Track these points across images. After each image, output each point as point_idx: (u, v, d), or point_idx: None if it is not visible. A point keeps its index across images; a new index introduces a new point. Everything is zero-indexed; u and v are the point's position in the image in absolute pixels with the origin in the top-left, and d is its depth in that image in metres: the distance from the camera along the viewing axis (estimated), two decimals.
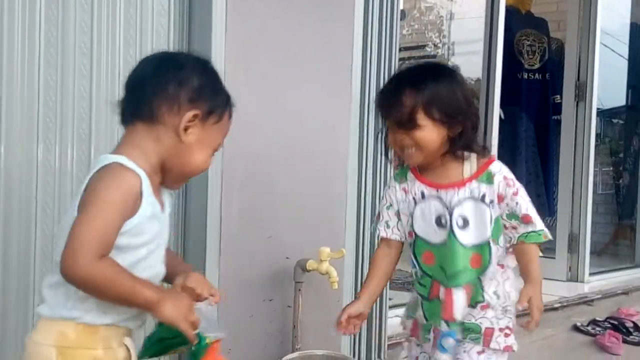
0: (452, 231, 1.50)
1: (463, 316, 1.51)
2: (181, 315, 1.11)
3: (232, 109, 1.29)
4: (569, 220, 4.32)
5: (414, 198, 1.55)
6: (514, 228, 1.50)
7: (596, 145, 4.46)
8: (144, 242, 1.15)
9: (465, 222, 1.49)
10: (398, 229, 1.60)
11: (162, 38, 1.97)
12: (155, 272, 1.21)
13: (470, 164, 1.51)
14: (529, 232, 1.48)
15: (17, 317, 1.72)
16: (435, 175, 1.53)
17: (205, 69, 1.26)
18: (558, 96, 4.54)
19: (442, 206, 1.51)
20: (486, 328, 1.49)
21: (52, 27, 1.76)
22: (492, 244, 1.50)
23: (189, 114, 1.18)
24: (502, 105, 3.87)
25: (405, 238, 1.62)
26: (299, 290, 2.16)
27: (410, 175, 1.57)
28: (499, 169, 1.49)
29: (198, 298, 1.23)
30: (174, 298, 1.13)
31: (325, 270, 2.08)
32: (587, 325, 3.24)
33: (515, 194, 1.48)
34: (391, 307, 2.66)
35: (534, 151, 4.60)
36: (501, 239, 1.52)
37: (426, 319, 1.57)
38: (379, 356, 2.57)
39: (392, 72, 2.54)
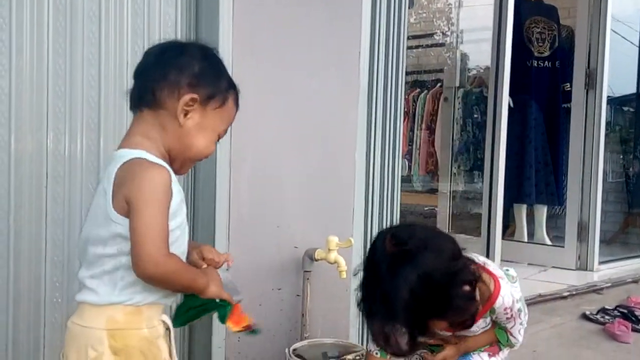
0: None
1: None
2: (220, 289, 1.26)
3: (238, 96, 1.32)
4: (579, 208, 4.31)
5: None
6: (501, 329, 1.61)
7: (606, 134, 4.43)
8: (178, 225, 1.22)
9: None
10: None
11: (169, 27, 1.97)
12: (184, 249, 1.28)
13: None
14: (505, 328, 1.58)
15: (29, 305, 1.74)
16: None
17: (207, 55, 1.29)
18: (568, 84, 4.50)
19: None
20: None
21: (60, 16, 1.76)
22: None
23: (186, 98, 1.21)
24: (511, 94, 3.85)
25: None
26: (308, 279, 2.17)
27: None
28: (500, 304, 1.52)
29: (216, 266, 1.34)
30: (213, 277, 1.26)
31: (334, 260, 2.09)
32: (597, 314, 3.23)
33: (509, 319, 1.56)
34: None
35: (543, 139, 4.58)
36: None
37: None
38: None
39: (400, 61, 2.53)
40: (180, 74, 1.22)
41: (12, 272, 1.72)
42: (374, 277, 1.41)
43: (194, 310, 1.28)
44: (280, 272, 2.19)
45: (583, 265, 4.30)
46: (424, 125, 5.19)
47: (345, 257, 2.12)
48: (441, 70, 5.71)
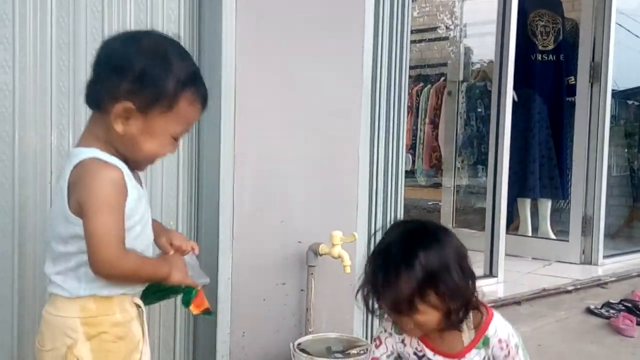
0: None
1: None
2: (183, 275, 1.28)
3: (198, 92, 1.20)
4: (583, 202, 4.30)
5: (415, 352, 1.55)
6: None
7: (611, 127, 4.42)
8: (137, 221, 1.21)
9: None
10: None
11: (172, 23, 1.97)
12: (149, 241, 1.29)
13: (469, 330, 1.50)
14: None
15: (34, 301, 1.75)
16: (435, 337, 1.52)
17: (157, 50, 1.16)
18: (572, 77, 4.49)
19: None
20: None
21: (63, 12, 1.76)
22: None
23: (119, 108, 1.13)
24: (515, 87, 3.83)
25: None
26: (312, 274, 2.17)
27: None
28: (493, 331, 1.49)
29: (182, 253, 1.35)
30: (176, 264, 1.28)
31: (338, 254, 2.09)
32: (601, 308, 3.23)
33: (507, 354, 1.49)
34: None
35: (547, 133, 4.57)
36: None
37: None
38: None
39: (404, 55, 2.53)
40: (120, 76, 1.13)
41: (16, 268, 1.73)
42: (387, 253, 1.46)
43: (161, 292, 1.32)
44: (284, 267, 2.20)
45: (587, 260, 4.29)
46: (427, 120, 5.19)
47: (349, 252, 2.12)
48: (445, 64, 5.70)
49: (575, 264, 4.26)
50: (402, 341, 1.56)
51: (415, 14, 5.81)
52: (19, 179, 1.71)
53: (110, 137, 1.18)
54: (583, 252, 4.30)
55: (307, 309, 2.18)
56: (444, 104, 5.14)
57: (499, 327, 1.50)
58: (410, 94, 5.00)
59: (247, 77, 2.03)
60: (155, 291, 1.32)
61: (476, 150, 4.91)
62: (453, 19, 6.15)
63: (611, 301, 3.33)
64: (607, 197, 4.37)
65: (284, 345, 2.11)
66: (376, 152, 2.45)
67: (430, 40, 6.14)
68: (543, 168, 4.54)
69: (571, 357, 2.59)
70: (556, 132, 4.60)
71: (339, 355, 1.99)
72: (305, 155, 2.24)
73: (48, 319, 1.22)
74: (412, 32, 2.61)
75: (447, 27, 6.15)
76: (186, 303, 1.34)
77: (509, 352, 1.48)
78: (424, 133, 5.20)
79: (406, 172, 2.71)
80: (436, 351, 1.52)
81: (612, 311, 3.18)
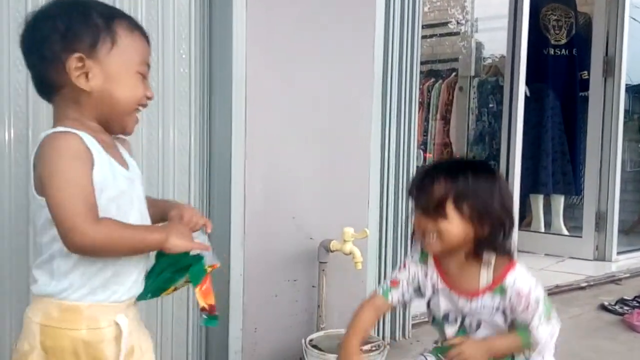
0: (464, 329, 1.49)
1: None
2: (188, 239, 1.13)
3: (129, 21, 1.14)
4: (597, 198, 4.26)
5: (432, 286, 1.53)
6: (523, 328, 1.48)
7: (624, 122, 4.37)
8: (110, 199, 1.09)
9: (479, 326, 1.47)
10: (405, 300, 1.56)
11: (183, 19, 1.97)
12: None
13: (487, 272, 1.45)
14: (526, 331, 1.45)
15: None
16: (453, 272, 1.49)
17: (63, 5, 1.12)
18: (585, 72, 4.45)
19: (454, 307, 1.49)
20: None
21: None
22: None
23: (71, 62, 1.07)
24: (527, 82, 3.81)
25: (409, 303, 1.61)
26: (323, 270, 2.18)
27: (430, 261, 1.53)
28: (512, 282, 1.43)
29: (193, 228, 1.22)
30: (176, 229, 1.14)
31: (349, 251, 2.09)
32: (615, 304, 3.20)
33: (526, 309, 1.44)
34: None
35: (560, 129, 4.53)
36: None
37: (443, 350, 1.56)
38: (403, 335, 2.59)
39: (415, 51, 2.51)
40: (49, 44, 1.08)
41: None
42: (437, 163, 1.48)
43: (167, 272, 1.18)
44: (296, 263, 2.20)
45: (601, 256, 4.26)
46: (439, 115, 5.16)
47: (360, 248, 2.12)
48: (456, 60, 5.67)
49: (588, 260, 4.23)
50: (425, 273, 1.53)
51: (426, 8, 5.78)
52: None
53: (82, 109, 1.11)
54: (596, 248, 4.27)
55: (319, 305, 2.19)
56: (455, 100, 5.12)
57: (519, 279, 1.43)
58: (421, 90, 4.98)
59: (257, 73, 2.04)
60: (161, 271, 1.18)
61: (488, 146, 4.88)
62: (464, 13, 6.11)
63: (625, 297, 3.30)
64: (620, 192, 4.34)
65: (295, 342, 2.12)
66: (387, 148, 2.44)
67: (442, 35, 6.11)
68: (556, 163, 4.51)
69: (585, 354, 2.58)
70: (569, 127, 4.56)
71: None
72: (316, 151, 2.24)
73: (24, 319, 1.13)
74: (423, 27, 2.60)
75: (458, 22, 6.11)
76: (194, 277, 1.16)
77: (527, 306, 1.42)
78: (435, 129, 5.18)
79: (417, 168, 2.70)
80: (452, 287, 1.48)
81: (626, 307, 3.16)
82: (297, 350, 2.09)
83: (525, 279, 1.44)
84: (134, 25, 1.15)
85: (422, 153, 5.03)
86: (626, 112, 4.70)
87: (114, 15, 1.13)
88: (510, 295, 1.42)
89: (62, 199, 1.02)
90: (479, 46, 5.56)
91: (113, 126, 1.16)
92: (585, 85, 4.45)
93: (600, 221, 4.26)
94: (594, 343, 2.72)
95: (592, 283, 3.64)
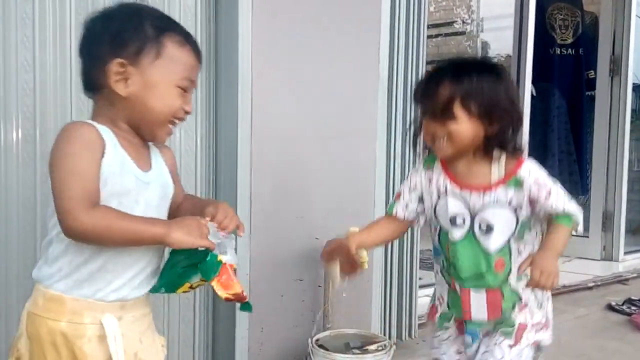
0: (473, 234, 1.43)
1: (490, 318, 1.47)
2: (194, 235, 1.09)
3: (182, 35, 1.16)
4: (604, 198, 4.25)
5: (437, 190, 1.48)
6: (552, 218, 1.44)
7: (631, 121, 4.35)
8: (112, 193, 1.09)
9: (489, 229, 1.42)
10: (417, 211, 1.53)
11: (189, 20, 1.98)
12: None
13: (499, 167, 1.42)
14: (561, 214, 1.41)
15: None
16: (462, 172, 1.45)
17: (121, 10, 1.16)
18: (592, 71, 4.43)
19: (464, 207, 1.44)
20: (520, 323, 1.45)
21: (82, 11, 1.77)
22: (512, 243, 1.43)
23: (112, 66, 1.10)
24: (533, 82, 3.80)
25: (426, 222, 1.56)
26: (329, 278, 2.18)
27: (437, 165, 1.50)
28: (527, 172, 1.41)
29: (225, 229, 1.18)
30: (181, 222, 1.11)
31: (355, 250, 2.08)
32: (622, 305, 3.19)
33: (548, 196, 1.40)
34: (421, 286, 2.66)
35: (566, 128, 4.52)
36: (527, 235, 1.44)
37: (448, 307, 1.53)
38: (409, 335, 2.58)
39: (420, 50, 2.52)
40: (99, 45, 1.12)
41: None
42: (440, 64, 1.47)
43: (178, 267, 1.15)
44: (302, 263, 2.20)
45: (608, 256, 4.24)
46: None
47: (367, 253, 2.12)
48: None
49: (595, 260, 4.21)
50: (429, 179, 1.50)
51: (431, 8, 5.78)
52: (41, 175, 1.73)
53: (115, 110, 1.13)
54: (603, 248, 4.25)
55: (325, 305, 2.19)
56: None
57: (534, 169, 1.42)
58: None
59: (263, 73, 2.04)
60: (173, 266, 1.15)
61: None
62: (470, 13, 6.10)
63: (632, 297, 3.29)
64: (627, 192, 4.32)
65: (302, 341, 2.12)
66: (393, 147, 2.44)
67: (447, 34, 6.11)
68: (562, 163, 4.50)
69: (592, 354, 2.57)
70: (575, 126, 4.55)
71: (357, 351, 1.99)
72: (322, 151, 2.24)
73: None
74: (428, 26, 2.60)
75: (463, 22, 6.11)
76: (205, 273, 1.12)
77: (550, 192, 1.39)
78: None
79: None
80: (462, 186, 1.44)
81: (633, 307, 3.15)
82: (304, 350, 2.09)
83: (538, 169, 1.43)
84: (186, 41, 1.16)
85: (427, 153, 5.01)
86: (633, 111, 4.67)
87: (167, 28, 1.15)
88: (529, 186, 1.40)
89: (61, 181, 1.04)
90: (485, 46, 5.55)
91: (143, 132, 1.17)
92: (591, 84, 4.43)
93: (607, 221, 4.24)
94: (601, 343, 2.71)
95: (599, 283, 3.62)
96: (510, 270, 1.44)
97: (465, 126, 1.37)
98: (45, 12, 1.73)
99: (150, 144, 1.21)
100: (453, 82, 1.37)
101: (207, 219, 1.15)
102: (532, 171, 1.41)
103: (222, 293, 1.13)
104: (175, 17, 1.93)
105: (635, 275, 3.86)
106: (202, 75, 2.02)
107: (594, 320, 3.04)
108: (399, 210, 1.54)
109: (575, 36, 4.53)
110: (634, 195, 5.16)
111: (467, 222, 1.44)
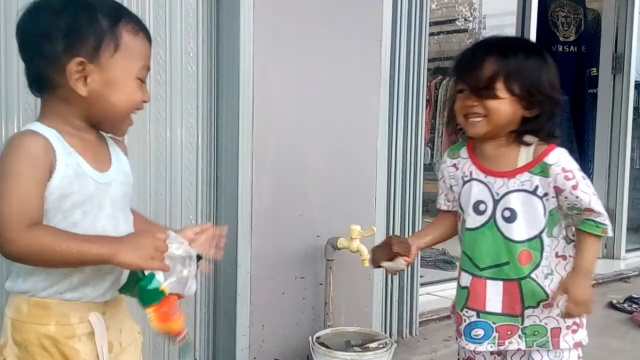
0: (494, 222, 1.39)
1: (514, 311, 1.40)
2: (145, 256, 1.01)
3: (133, 22, 1.09)
4: (605, 195, 4.24)
5: (462, 177, 1.45)
6: (577, 215, 1.38)
7: (634, 119, 4.35)
8: (74, 204, 1.05)
9: (513, 215, 1.38)
10: (453, 199, 1.50)
11: (191, 17, 1.98)
12: (102, 234, 1.10)
13: (527, 152, 1.39)
14: (587, 220, 1.37)
15: None
16: (489, 157, 1.42)
17: (61, 4, 1.06)
18: (594, 69, 4.42)
19: (488, 193, 1.40)
20: (552, 328, 1.40)
21: None
22: (544, 238, 1.38)
23: (72, 65, 1.03)
24: None
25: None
26: (330, 268, 2.18)
27: (464, 151, 1.47)
28: (556, 159, 1.35)
29: (204, 240, 1.14)
30: (132, 241, 1.04)
31: (356, 249, 2.09)
32: (624, 303, 3.19)
33: (575, 187, 1.34)
34: (422, 284, 2.66)
35: (568, 126, 4.51)
36: (556, 230, 1.39)
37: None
38: (410, 333, 2.58)
39: (422, 48, 2.51)
40: (50, 42, 1.03)
41: None
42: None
43: (130, 281, 1.08)
44: (303, 260, 2.20)
45: (610, 254, 4.23)
46: (446, 113, 5.15)
47: (367, 246, 2.11)
48: None
49: (597, 257, 4.20)
50: (455, 166, 1.48)
51: (433, 6, 5.76)
52: None
53: (72, 108, 1.07)
54: (605, 246, 4.24)
55: (326, 303, 2.19)
56: None
57: (563, 157, 1.36)
58: (428, 87, 4.96)
59: (265, 70, 2.04)
60: (130, 279, 1.08)
61: None
62: (472, 10, 6.09)
63: (634, 296, 3.28)
64: (629, 190, 4.31)
65: (303, 339, 2.12)
66: (394, 145, 2.44)
67: (449, 32, 6.09)
68: None
69: (593, 352, 2.56)
70: (577, 124, 4.54)
71: (358, 349, 1.99)
72: (324, 149, 2.24)
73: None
74: (430, 24, 2.59)
75: (465, 19, 6.10)
76: (142, 298, 1.04)
77: (577, 184, 1.34)
78: (443, 126, 5.16)
79: (425, 165, 2.70)
80: (488, 172, 1.41)
81: (634, 305, 3.15)
82: (305, 348, 2.09)
83: (569, 158, 1.38)
84: (139, 27, 1.11)
85: (429, 150, 5.02)
86: (635, 109, 4.67)
87: (120, 16, 1.08)
88: (556, 174, 1.35)
89: (1, 202, 0.98)
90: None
91: (104, 128, 1.13)
92: (594, 82, 4.42)
93: (609, 219, 4.23)
94: (603, 341, 2.70)
95: (600, 281, 3.62)
96: (538, 265, 1.38)
97: (505, 105, 1.34)
98: None
99: (106, 136, 1.16)
100: (499, 58, 1.34)
101: (169, 232, 1.09)
102: (561, 159, 1.36)
103: (156, 324, 1.05)
104: (177, 13, 1.94)
105: (636, 273, 3.86)
106: (203, 72, 2.02)
107: (595, 318, 3.04)
108: (442, 203, 1.52)
109: (578, 33, 4.52)
110: (636, 193, 5.15)
111: (490, 209, 1.40)
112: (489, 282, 1.41)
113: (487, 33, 5.71)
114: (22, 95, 1.71)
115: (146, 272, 1.04)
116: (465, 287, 1.43)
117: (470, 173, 1.44)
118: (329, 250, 2.17)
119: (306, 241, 2.19)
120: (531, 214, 1.37)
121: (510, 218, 1.38)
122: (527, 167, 1.37)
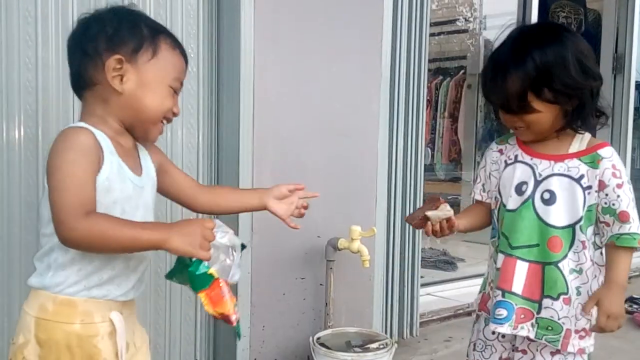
0: (532, 202, 1.37)
1: (533, 297, 1.39)
2: (194, 243, 1.07)
3: (173, 38, 1.20)
4: None
5: (506, 160, 1.44)
6: (608, 225, 1.35)
7: (634, 119, 4.34)
8: (116, 201, 1.11)
9: (552, 198, 1.36)
10: (490, 188, 1.49)
11: (191, 18, 1.98)
12: None
13: (580, 142, 1.38)
14: (622, 234, 1.33)
15: None
16: (540, 145, 1.41)
17: (117, 12, 1.19)
18: None
19: (531, 174, 1.39)
20: (567, 329, 1.39)
21: (84, 9, 1.75)
22: (578, 232, 1.36)
23: (111, 62, 1.11)
24: None
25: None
26: (331, 268, 2.18)
27: (512, 139, 1.47)
28: (609, 154, 1.35)
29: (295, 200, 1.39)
30: (182, 228, 1.08)
31: (357, 249, 2.09)
32: (624, 303, 3.18)
33: (620, 186, 1.33)
34: (422, 285, 2.66)
35: None
36: (590, 230, 1.37)
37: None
38: (411, 333, 2.58)
39: (423, 49, 2.51)
40: (96, 42, 1.13)
41: None
42: (498, 53, 1.39)
43: (178, 267, 1.12)
44: (304, 261, 2.20)
45: None
46: (446, 114, 5.15)
47: (368, 246, 2.12)
48: (464, 57, 5.65)
49: None
50: (500, 151, 1.47)
51: (434, 6, 5.76)
52: (43, 173, 1.73)
53: (108, 108, 1.14)
54: None
55: (327, 304, 2.19)
56: (463, 97, 5.10)
57: (616, 155, 1.35)
58: (429, 88, 4.97)
59: (265, 70, 2.04)
60: (178, 265, 1.12)
61: None
62: (472, 11, 6.08)
63: (634, 296, 3.28)
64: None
65: (303, 339, 2.12)
66: (395, 146, 2.44)
67: (450, 32, 6.09)
68: None
69: (593, 352, 2.56)
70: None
71: (359, 349, 1.99)
72: (324, 149, 2.24)
73: (20, 313, 1.15)
74: (430, 24, 2.59)
75: (466, 20, 6.09)
76: (193, 284, 1.09)
77: (622, 184, 1.32)
78: (443, 127, 5.17)
79: (425, 166, 2.70)
80: (534, 154, 1.40)
81: (635, 306, 3.14)
82: (305, 348, 2.09)
83: (620, 160, 1.37)
84: (176, 44, 1.20)
85: (429, 151, 5.02)
86: (636, 109, 4.67)
87: (161, 30, 1.19)
88: (605, 168, 1.33)
89: (58, 190, 1.04)
90: (488, 44, 5.52)
91: (136, 132, 1.19)
92: None
93: None
94: (603, 341, 2.69)
95: None
96: (566, 256, 1.37)
97: (543, 115, 1.33)
98: (47, 10, 1.73)
99: (138, 145, 1.22)
100: (518, 71, 1.30)
101: (216, 221, 1.13)
102: (614, 155, 1.36)
103: (209, 308, 1.10)
104: (178, 14, 1.95)
105: (637, 273, 3.86)
106: (204, 73, 2.03)
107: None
108: (477, 193, 1.52)
109: (578, 34, 4.52)
110: (636, 193, 5.14)
111: (530, 190, 1.38)
112: (518, 262, 1.39)
113: (487, 34, 5.71)
114: (23, 96, 1.71)
115: (193, 259, 1.08)
116: (499, 269, 1.42)
117: (515, 157, 1.43)
118: (330, 250, 2.17)
119: (306, 242, 2.20)
120: (570, 201, 1.36)
121: (549, 200, 1.37)
122: (578, 155, 1.37)
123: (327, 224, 2.22)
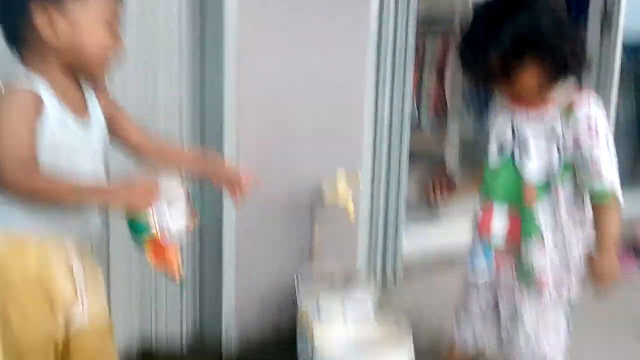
0: (512, 160, 1.45)
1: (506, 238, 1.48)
2: (140, 197, 1.11)
3: None
4: None
5: (496, 115, 1.55)
6: (584, 180, 1.39)
7: (623, 84, 4.34)
8: (62, 152, 1.12)
9: (526, 152, 1.43)
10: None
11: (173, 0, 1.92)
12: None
13: (559, 94, 1.41)
14: (597, 191, 1.36)
15: None
16: (525, 100, 1.45)
17: None
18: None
19: (509, 126, 1.46)
20: (542, 276, 1.44)
21: None
22: (552, 186, 1.41)
23: (38, 15, 1.08)
24: None
25: None
26: (316, 214, 2.23)
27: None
28: (585, 109, 1.37)
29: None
30: (129, 188, 1.11)
31: (342, 199, 2.14)
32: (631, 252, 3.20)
33: (596, 139, 1.35)
34: (406, 231, 2.71)
35: None
36: (568, 185, 1.41)
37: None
38: (394, 277, 2.65)
39: (410, 4, 2.48)
40: None
41: None
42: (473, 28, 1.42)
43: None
44: (290, 211, 2.24)
45: None
46: (434, 69, 5.15)
47: (353, 198, 2.16)
48: (452, 17, 5.60)
49: None
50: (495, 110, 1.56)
51: None
52: None
53: (51, 61, 1.12)
54: None
55: (312, 247, 2.24)
56: (451, 57, 5.08)
57: (593, 109, 1.37)
58: (416, 46, 4.94)
59: (249, 29, 2.01)
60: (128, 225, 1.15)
61: (483, 100, 4.87)
62: None
63: None
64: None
65: (288, 284, 2.16)
66: (382, 102, 2.45)
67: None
68: None
69: (594, 352, 2.50)
70: None
71: (343, 287, 2.03)
72: (310, 107, 2.23)
73: None
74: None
75: None
76: (134, 235, 1.13)
77: (598, 142, 1.35)
78: (431, 84, 5.17)
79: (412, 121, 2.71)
80: (517, 109, 1.46)
81: None
82: (290, 288, 2.10)
83: (601, 114, 1.38)
84: None
85: (416, 110, 5.02)
86: (628, 73, 4.65)
87: None
88: (579, 124, 1.36)
89: (4, 149, 1.04)
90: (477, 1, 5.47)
91: (82, 72, 1.17)
92: None
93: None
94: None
95: None
96: (541, 208, 1.43)
97: (529, 79, 1.37)
98: None
99: (87, 95, 1.21)
100: (496, 46, 1.33)
101: (160, 175, 1.17)
102: (590, 110, 1.37)
103: (151, 259, 1.15)
104: (159, 3, 1.87)
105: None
106: (187, 30, 1.96)
107: (595, 317, 3.02)
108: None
109: None
110: (620, 150, 5.17)
111: (509, 145, 1.46)
112: (495, 205, 1.48)
113: None
114: None
115: (139, 212, 1.12)
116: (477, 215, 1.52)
117: (504, 113, 1.51)
118: (315, 197, 2.21)
119: (293, 188, 2.22)
120: (545, 156, 1.41)
121: (523, 154, 1.44)
122: (557, 106, 1.41)
123: (314, 179, 2.23)
